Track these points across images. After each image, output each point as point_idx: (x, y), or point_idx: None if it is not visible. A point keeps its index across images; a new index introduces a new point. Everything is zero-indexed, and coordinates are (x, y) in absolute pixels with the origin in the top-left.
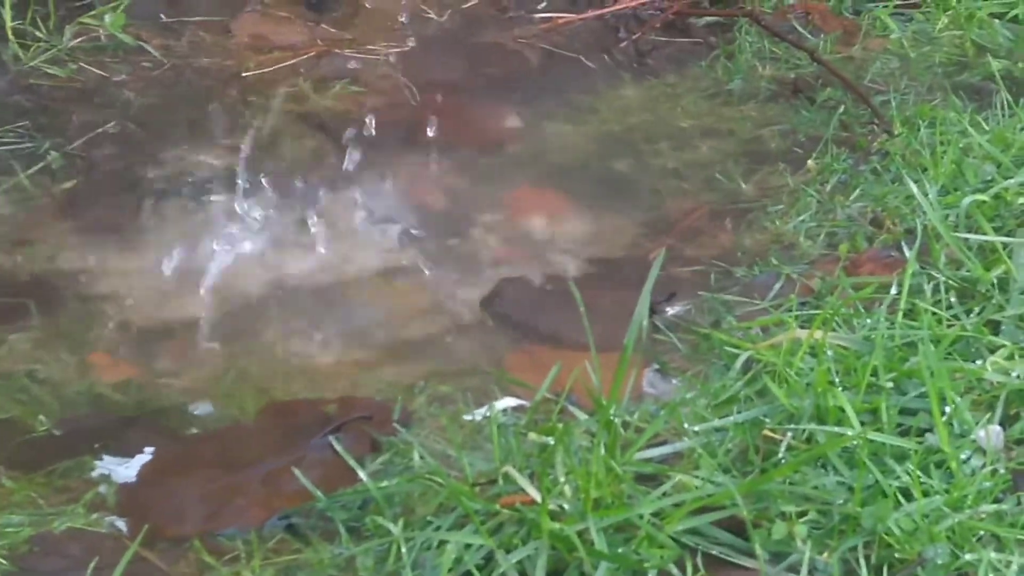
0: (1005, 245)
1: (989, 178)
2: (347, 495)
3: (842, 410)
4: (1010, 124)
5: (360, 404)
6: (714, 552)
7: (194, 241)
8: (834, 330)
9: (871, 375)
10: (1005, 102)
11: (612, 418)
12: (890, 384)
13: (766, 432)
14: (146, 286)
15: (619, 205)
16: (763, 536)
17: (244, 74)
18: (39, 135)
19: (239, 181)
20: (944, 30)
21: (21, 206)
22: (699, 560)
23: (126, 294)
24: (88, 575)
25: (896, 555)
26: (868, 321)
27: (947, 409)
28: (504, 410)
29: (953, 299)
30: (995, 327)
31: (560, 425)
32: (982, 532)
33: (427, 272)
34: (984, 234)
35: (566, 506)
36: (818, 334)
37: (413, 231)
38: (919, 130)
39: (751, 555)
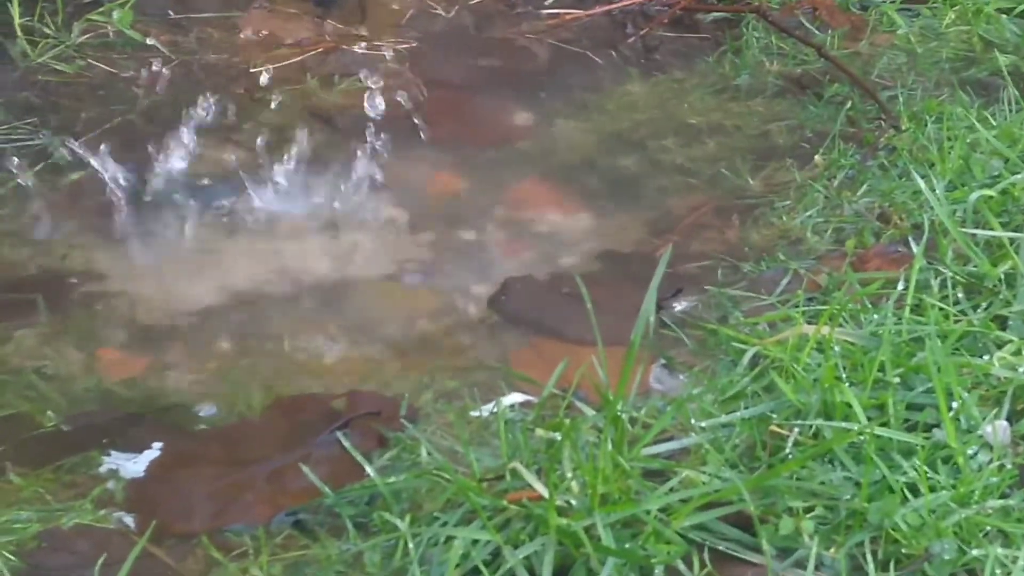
0: (1012, 240)
1: (996, 173)
2: (354, 491)
3: (849, 406)
4: (1017, 119)
5: (367, 400)
6: (721, 548)
7: (201, 237)
8: (841, 326)
9: (878, 371)
10: (1012, 97)
11: (619, 414)
12: (897, 380)
13: (773, 428)
14: (153, 282)
15: (626, 201)
16: (770, 531)
17: (252, 70)
18: (47, 131)
19: (247, 178)
20: (951, 25)
21: (29, 202)
22: (706, 555)
23: (134, 290)
24: (96, 571)
25: (903, 551)
26: (875, 317)
27: (954, 405)
28: (511, 406)
29: (960, 295)
30: (1002, 323)
31: (567, 421)
32: (989, 528)
33: (434, 268)
34: (991, 229)
35: (573, 502)
36: (825, 330)
37: (420, 227)
38: (926, 125)
39: (758, 550)
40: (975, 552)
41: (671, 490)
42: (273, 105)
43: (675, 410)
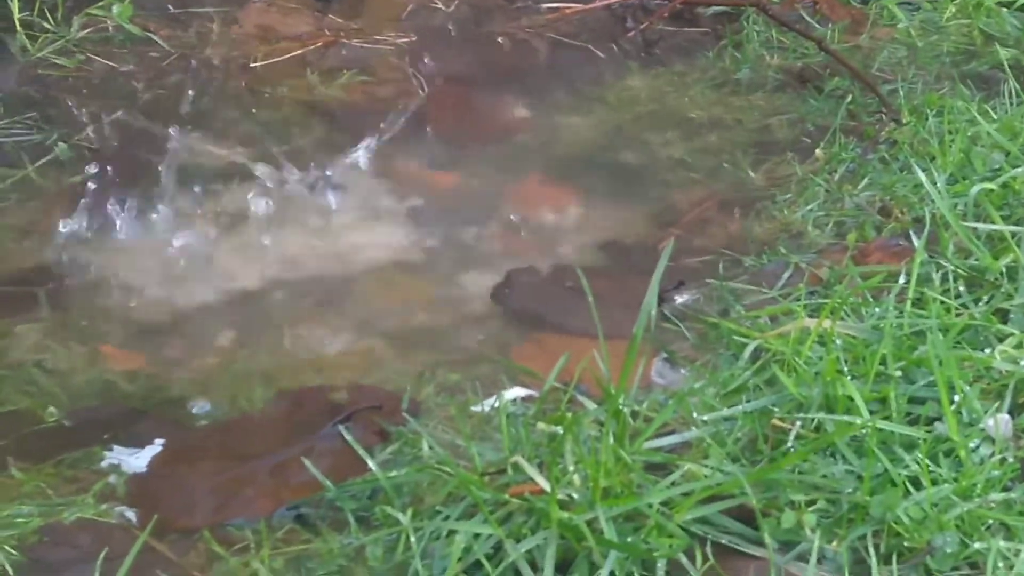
0: (1014, 234)
1: (997, 167)
2: (356, 485)
3: (851, 399)
4: (1018, 113)
5: (369, 394)
6: (723, 541)
7: (202, 231)
8: (843, 319)
9: (880, 364)
10: (1013, 91)
11: (621, 407)
12: (899, 373)
13: (775, 421)
14: (154, 276)
15: (627, 195)
16: (772, 525)
17: (252, 64)
18: (47, 126)
19: (247, 171)
20: (951, 19)
21: (30, 196)
22: (708, 549)
23: (134, 284)
24: (98, 566)
25: (905, 544)
26: (877, 310)
27: (956, 398)
28: (513, 400)
29: (962, 288)
30: (1004, 316)
31: (569, 414)
32: (991, 521)
33: (435, 262)
34: (993, 223)
35: (575, 495)
36: (827, 323)
37: (421, 220)
38: (927, 119)
39: (760, 544)
40: (977, 545)
41: (673, 484)
42: (273, 99)
43: (677, 404)
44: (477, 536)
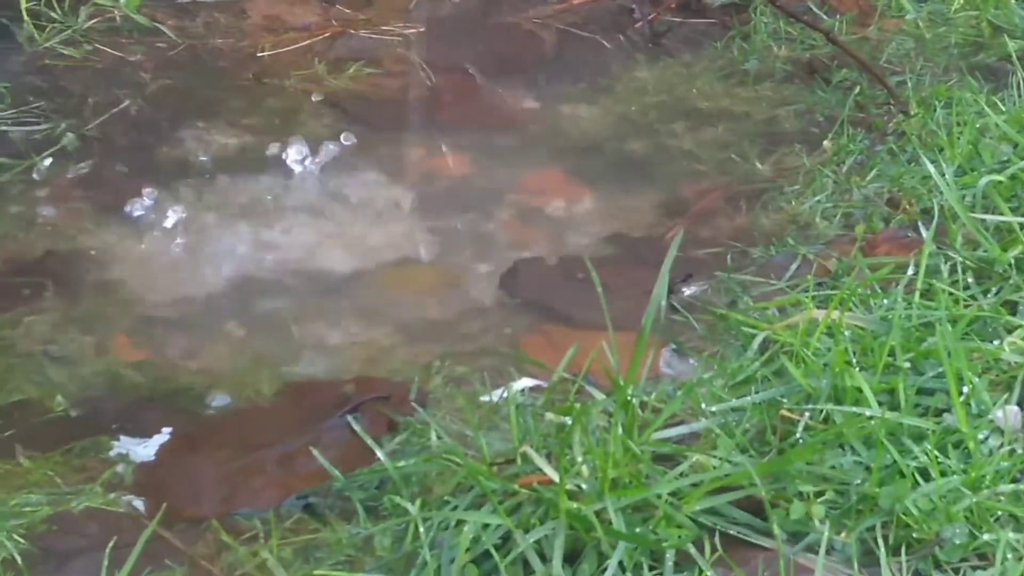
0: (1022, 225)
1: (1006, 158)
2: (364, 475)
3: (859, 390)
4: None
5: (377, 384)
6: (732, 532)
7: (210, 222)
8: (851, 310)
9: (888, 355)
10: (1022, 83)
11: (629, 398)
12: (907, 364)
13: (783, 412)
14: (162, 267)
15: (635, 186)
16: (781, 516)
17: (259, 55)
18: (55, 116)
19: (254, 162)
20: (959, 10)
21: (36, 186)
22: (717, 540)
23: (142, 275)
24: (106, 554)
25: (914, 535)
26: (885, 301)
27: (964, 389)
28: (521, 390)
29: (970, 279)
30: (1012, 307)
31: (577, 405)
32: (1000, 512)
33: (443, 253)
34: (1001, 214)
35: (584, 486)
36: (835, 314)
37: (429, 211)
38: (935, 111)
39: (769, 535)
40: (986, 537)
41: (682, 474)
42: (280, 90)
43: (685, 395)
44: (486, 526)
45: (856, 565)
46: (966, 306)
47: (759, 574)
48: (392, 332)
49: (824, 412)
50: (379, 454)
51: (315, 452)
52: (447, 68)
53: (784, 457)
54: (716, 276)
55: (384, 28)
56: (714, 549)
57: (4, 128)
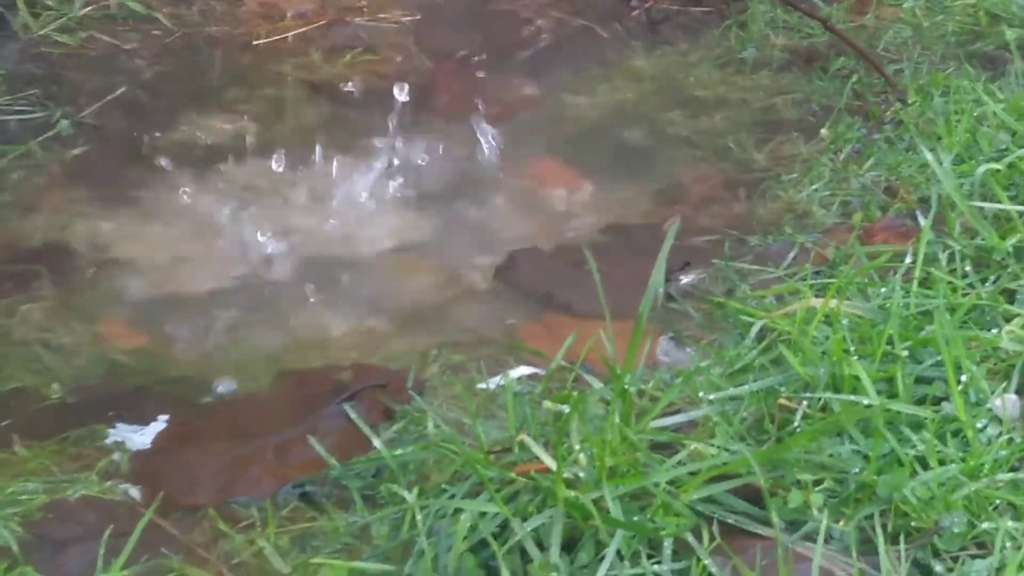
0: (1020, 214)
1: (1004, 147)
2: (361, 463)
3: (857, 379)
4: None
5: (374, 372)
6: (730, 520)
7: (205, 210)
8: (849, 299)
9: (886, 344)
10: (1019, 71)
11: (627, 387)
12: (905, 353)
13: (781, 401)
14: (158, 254)
15: (632, 174)
16: (779, 504)
17: (255, 43)
18: (50, 103)
19: (250, 150)
20: None
21: (32, 174)
22: (715, 528)
23: (138, 262)
24: (103, 542)
25: (912, 524)
26: (883, 290)
27: (963, 378)
28: (519, 378)
29: (968, 268)
30: (1010, 296)
31: (575, 393)
32: (998, 501)
33: (440, 241)
34: (999, 203)
35: (581, 474)
36: (833, 303)
37: (426, 199)
38: (933, 99)
39: (767, 523)
40: (985, 525)
41: (679, 463)
42: (276, 78)
43: (683, 383)
44: (483, 514)
45: (855, 554)
46: (964, 294)
47: (757, 562)
48: (389, 321)
49: (822, 400)
50: (376, 442)
51: (312, 440)
52: (444, 56)
53: (782, 445)
54: (714, 264)
55: (380, 16)
56: (712, 538)
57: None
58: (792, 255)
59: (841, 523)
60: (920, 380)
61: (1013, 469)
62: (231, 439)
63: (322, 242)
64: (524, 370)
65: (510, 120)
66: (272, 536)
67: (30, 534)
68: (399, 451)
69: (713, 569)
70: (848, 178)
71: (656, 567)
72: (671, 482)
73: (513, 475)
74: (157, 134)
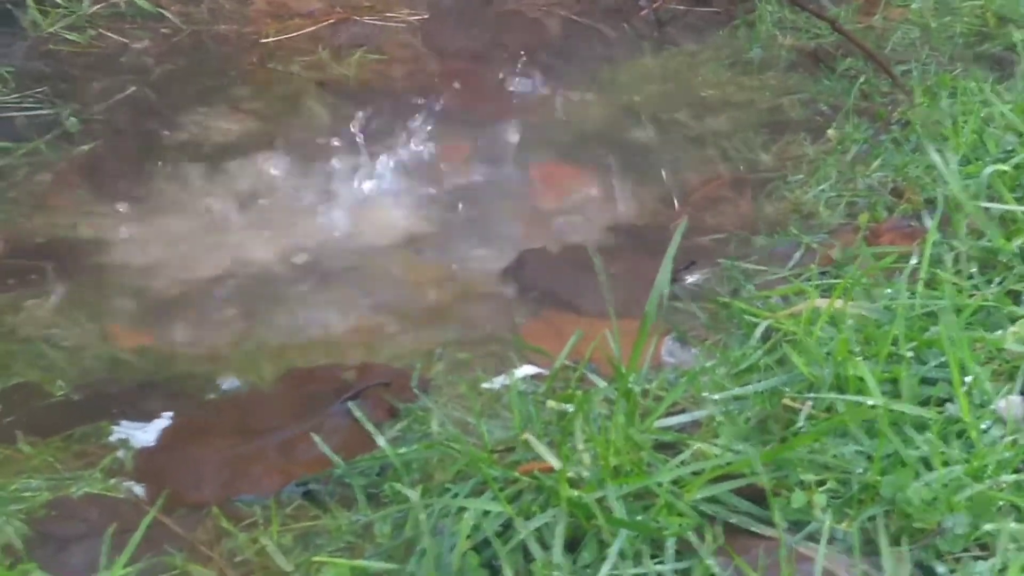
0: None
1: (1010, 148)
2: (365, 461)
3: (862, 379)
4: None
5: (378, 371)
6: (733, 520)
7: (212, 207)
8: (854, 299)
9: (891, 344)
10: None
11: (631, 386)
12: (910, 354)
13: (786, 401)
14: (164, 251)
15: (639, 173)
16: (783, 505)
17: (263, 41)
18: (58, 101)
19: (257, 148)
20: (965, 0)
21: (40, 171)
22: (718, 528)
23: (144, 259)
24: (106, 539)
25: (916, 525)
26: (888, 291)
27: (967, 379)
28: (523, 378)
29: (974, 269)
30: (1016, 297)
31: (579, 393)
32: (1002, 502)
33: (446, 240)
34: (1005, 204)
35: (585, 473)
36: (838, 303)
37: (432, 198)
38: (940, 100)
39: (770, 524)
40: (988, 526)
41: (683, 463)
42: (284, 76)
43: (687, 383)
44: (486, 513)
45: (857, 554)
46: (970, 296)
47: (760, 563)
48: (394, 319)
49: (826, 401)
50: (380, 441)
51: (316, 438)
52: (452, 55)
53: (786, 446)
54: (719, 264)
55: (388, 15)
56: (715, 538)
57: (8, 113)
58: (798, 255)
59: (844, 524)
60: (925, 381)
61: (1017, 471)
62: (235, 437)
63: (328, 240)
64: (529, 369)
65: (517, 118)
66: (275, 534)
67: (34, 531)
68: (403, 450)
69: (716, 569)
70: (854, 179)
71: (659, 567)
72: (675, 482)
73: (517, 474)
74: (165, 132)
